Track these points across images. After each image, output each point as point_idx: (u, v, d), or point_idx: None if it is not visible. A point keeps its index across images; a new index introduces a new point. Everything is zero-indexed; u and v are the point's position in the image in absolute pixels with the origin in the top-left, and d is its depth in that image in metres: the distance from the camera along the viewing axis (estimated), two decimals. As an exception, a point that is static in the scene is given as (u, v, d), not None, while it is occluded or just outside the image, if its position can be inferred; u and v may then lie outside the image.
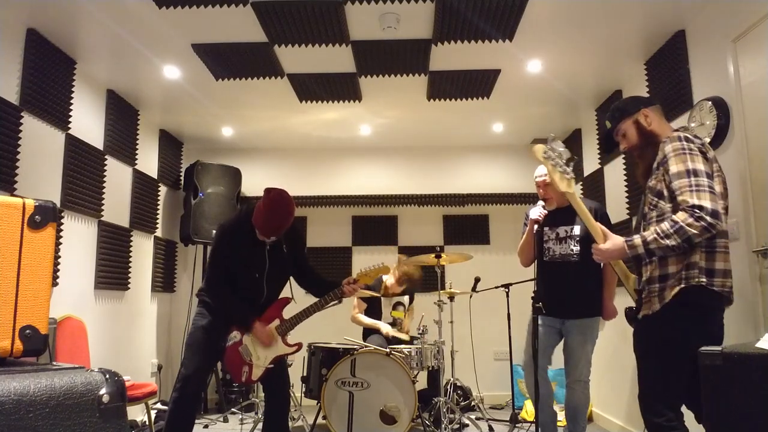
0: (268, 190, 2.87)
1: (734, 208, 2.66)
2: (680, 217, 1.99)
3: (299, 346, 3.07)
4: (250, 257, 2.96)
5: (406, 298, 4.70)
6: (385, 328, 4.46)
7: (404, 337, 4.45)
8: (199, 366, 2.91)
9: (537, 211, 3.13)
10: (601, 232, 2.24)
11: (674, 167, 2.07)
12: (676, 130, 2.23)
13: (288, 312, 3.05)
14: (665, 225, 2.02)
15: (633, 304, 2.35)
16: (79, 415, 1.00)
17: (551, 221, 3.21)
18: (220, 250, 2.96)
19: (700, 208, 1.96)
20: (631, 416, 4.07)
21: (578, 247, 3.17)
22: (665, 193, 2.12)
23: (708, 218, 1.95)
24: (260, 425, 4.24)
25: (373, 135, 5.55)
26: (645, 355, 2.18)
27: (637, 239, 2.09)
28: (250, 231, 2.95)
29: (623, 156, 4.13)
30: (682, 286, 2.05)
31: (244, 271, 2.96)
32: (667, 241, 1.99)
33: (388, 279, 4.63)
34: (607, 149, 2.56)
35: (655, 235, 2.02)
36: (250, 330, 2.96)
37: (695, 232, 1.96)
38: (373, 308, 4.64)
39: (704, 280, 2.03)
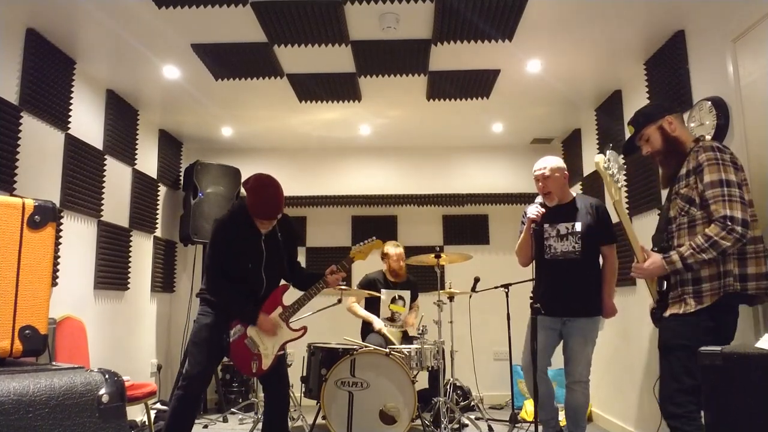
0: (246, 182, 2.99)
1: (734, 208, 2.67)
2: (713, 231, 2.13)
3: (304, 329, 3.12)
4: (247, 248, 3.00)
5: (407, 293, 4.70)
6: (378, 324, 4.44)
7: (394, 339, 4.42)
8: (204, 365, 2.93)
9: (534, 210, 3.10)
10: (641, 251, 2.38)
11: (708, 177, 2.19)
12: (697, 139, 2.36)
13: (287, 299, 3.10)
14: (699, 240, 2.16)
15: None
16: (79, 415, 1.00)
17: (551, 218, 3.19)
18: (217, 244, 2.99)
19: (732, 219, 2.10)
20: (631, 416, 4.07)
21: (580, 244, 3.16)
22: (697, 200, 2.24)
23: (739, 228, 2.09)
24: (260, 425, 4.25)
25: (372, 135, 5.55)
26: (673, 350, 2.25)
27: (674, 255, 2.23)
28: (245, 223, 3.00)
29: (623, 156, 4.12)
30: (721, 294, 2.17)
31: (242, 262, 2.98)
32: (704, 255, 2.15)
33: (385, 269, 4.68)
34: (627, 152, 2.69)
35: (692, 251, 2.17)
36: (255, 323, 2.99)
37: (728, 244, 2.11)
38: (372, 301, 4.65)
39: (739, 286, 2.16)
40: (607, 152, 2.51)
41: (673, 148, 2.38)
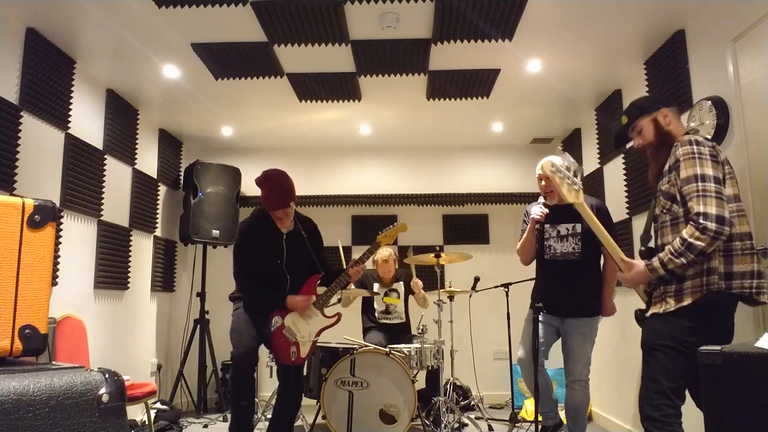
0: (256, 180, 3.19)
1: (734, 207, 2.66)
2: (687, 232, 2.06)
3: (338, 316, 3.32)
4: (269, 247, 3.21)
5: (400, 284, 4.71)
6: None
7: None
8: (247, 344, 3.08)
9: (538, 210, 3.08)
10: (623, 261, 2.31)
11: (684, 172, 2.12)
12: (687, 133, 2.26)
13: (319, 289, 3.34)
14: (676, 243, 2.09)
15: (634, 306, 2.38)
16: (79, 414, 1.00)
17: (552, 218, 3.17)
18: (238, 246, 3.22)
19: (705, 215, 2.01)
20: (631, 416, 4.07)
21: (579, 245, 3.16)
22: (678, 197, 2.16)
23: (712, 225, 2.00)
24: (260, 424, 4.25)
25: (372, 134, 5.55)
26: (653, 350, 2.19)
27: (656, 262, 2.15)
28: (265, 224, 3.22)
29: (623, 156, 4.13)
30: (704, 292, 2.09)
31: (265, 260, 3.19)
32: (682, 259, 2.07)
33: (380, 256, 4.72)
34: (618, 144, 2.59)
35: (670, 256, 2.10)
36: (286, 305, 3.18)
37: (703, 244, 2.02)
38: (368, 298, 4.70)
39: (723, 284, 2.07)
40: (557, 153, 2.47)
41: (665, 143, 2.29)
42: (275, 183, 3.15)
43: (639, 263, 2.25)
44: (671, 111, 2.34)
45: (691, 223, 2.05)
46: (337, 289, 3.30)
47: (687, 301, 2.11)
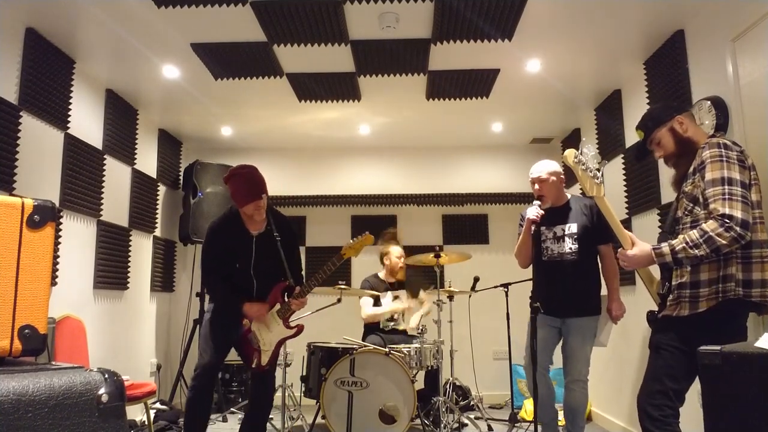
0: (225, 176, 3.15)
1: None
2: (710, 226, 2.00)
3: (299, 327, 3.20)
4: (237, 249, 3.13)
5: (402, 292, 4.71)
6: (397, 305, 4.49)
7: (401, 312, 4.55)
8: (210, 355, 3.06)
9: (534, 211, 3.08)
10: (629, 238, 2.26)
11: (709, 174, 2.08)
12: (713, 135, 2.23)
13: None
14: (694, 234, 2.03)
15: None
16: (78, 414, 1.00)
17: (547, 221, 3.20)
18: (206, 246, 3.17)
19: (730, 217, 1.97)
20: (631, 416, 4.07)
21: (576, 245, 3.18)
22: (701, 199, 2.12)
23: (737, 228, 1.96)
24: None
25: (372, 134, 5.55)
26: (660, 349, 2.18)
27: (665, 247, 2.09)
28: (235, 226, 3.14)
29: (622, 156, 4.13)
30: (720, 300, 2.06)
31: (232, 264, 3.12)
32: (696, 251, 2.01)
33: (381, 273, 4.70)
34: (639, 158, 2.56)
35: (684, 245, 2.04)
36: (243, 312, 3.09)
37: (724, 242, 1.97)
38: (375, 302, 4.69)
39: (741, 291, 2.04)
40: (581, 145, 2.43)
41: (687, 149, 2.26)
42: (245, 175, 3.07)
43: (645, 244, 2.21)
44: (686, 117, 2.31)
45: (716, 219, 2.00)
46: (287, 313, 3.17)
47: (702, 308, 2.08)
